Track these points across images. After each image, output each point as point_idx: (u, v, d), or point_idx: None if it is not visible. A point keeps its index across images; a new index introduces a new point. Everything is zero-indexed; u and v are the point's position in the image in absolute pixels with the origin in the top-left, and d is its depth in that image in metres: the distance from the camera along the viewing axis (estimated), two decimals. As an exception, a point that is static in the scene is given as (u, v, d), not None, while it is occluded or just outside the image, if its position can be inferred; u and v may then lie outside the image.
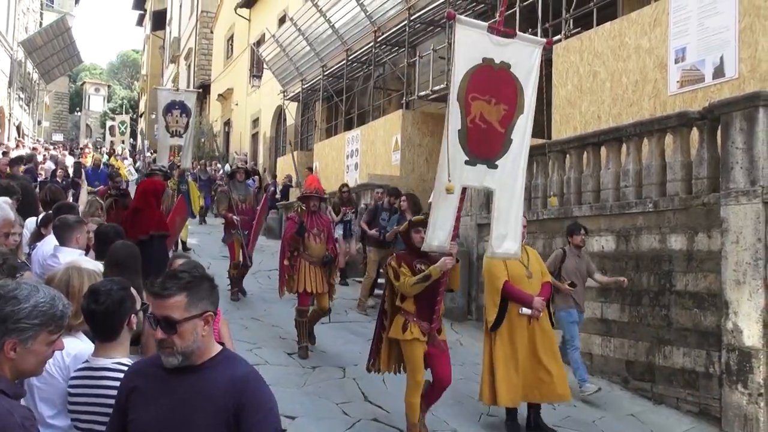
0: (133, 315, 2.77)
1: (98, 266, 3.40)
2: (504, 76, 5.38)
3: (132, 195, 10.69)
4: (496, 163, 5.42)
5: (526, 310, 5.95)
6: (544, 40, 5.82)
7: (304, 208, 8.10)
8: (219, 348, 2.37)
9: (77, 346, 2.82)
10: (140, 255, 4.17)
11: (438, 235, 5.27)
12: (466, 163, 5.30)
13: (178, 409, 2.25)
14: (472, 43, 5.20)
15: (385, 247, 10.40)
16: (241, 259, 10.52)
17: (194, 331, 2.25)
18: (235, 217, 10.37)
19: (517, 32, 5.60)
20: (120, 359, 2.68)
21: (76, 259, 3.55)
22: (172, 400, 2.27)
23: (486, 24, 5.36)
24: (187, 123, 14.25)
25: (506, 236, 5.48)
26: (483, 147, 5.35)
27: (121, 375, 2.60)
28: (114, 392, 2.54)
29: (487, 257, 6.13)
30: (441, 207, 5.29)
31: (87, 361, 2.71)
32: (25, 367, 2.21)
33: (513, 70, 5.41)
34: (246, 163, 25.61)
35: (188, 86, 41.81)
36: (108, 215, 9.12)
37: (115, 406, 2.42)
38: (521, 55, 5.46)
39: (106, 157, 27.84)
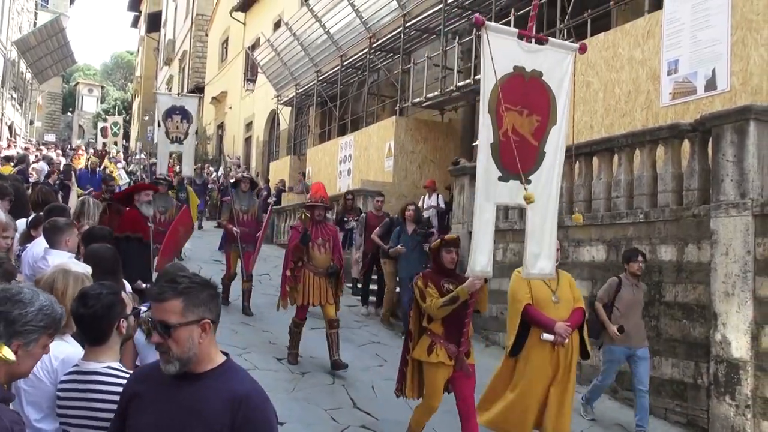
0: (122, 319, 2.75)
1: (87, 269, 3.39)
2: (536, 85, 5.11)
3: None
4: (530, 178, 5.08)
5: (547, 336, 5.44)
6: (577, 45, 5.48)
7: (308, 215, 7.84)
8: (223, 358, 2.33)
9: (65, 350, 2.81)
10: (118, 256, 4.15)
11: (479, 260, 4.94)
12: (500, 179, 5.00)
13: (176, 418, 2.23)
14: (501, 51, 4.92)
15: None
16: (236, 272, 10.30)
17: (190, 338, 2.22)
18: (235, 229, 10.04)
19: (549, 38, 5.32)
20: (110, 363, 2.68)
21: (65, 261, 3.54)
22: (170, 408, 2.25)
23: (516, 30, 5.10)
24: (188, 129, 13.84)
25: (540, 255, 5.15)
26: (516, 161, 4.98)
27: (111, 379, 2.61)
28: (104, 396, 2.54)
29: (513, 278, 5.74)
30: (480, 230, 4.96)
31: (77, 365, 2.70)
32: (23, 369, 2.24)
33: (545, 78, 5.14)
34: (239, 166, 25.60)
35: (182, 89, 41.80)
36: (101, 220, 9.04)
37: (117, 410, 2.41)
38: (553, 62, 5.19)
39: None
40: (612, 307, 6.84)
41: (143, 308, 3.32)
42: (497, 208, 5.32)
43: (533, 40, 5.13)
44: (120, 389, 2.55)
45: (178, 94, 18.55)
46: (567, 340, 5.43)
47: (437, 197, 13.00)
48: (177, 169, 18.32)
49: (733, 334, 6.60)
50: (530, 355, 5.50)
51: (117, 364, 2.71)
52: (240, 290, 10.31)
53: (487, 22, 4.88)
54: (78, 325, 2.70)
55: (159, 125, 14.46)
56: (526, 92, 5.07)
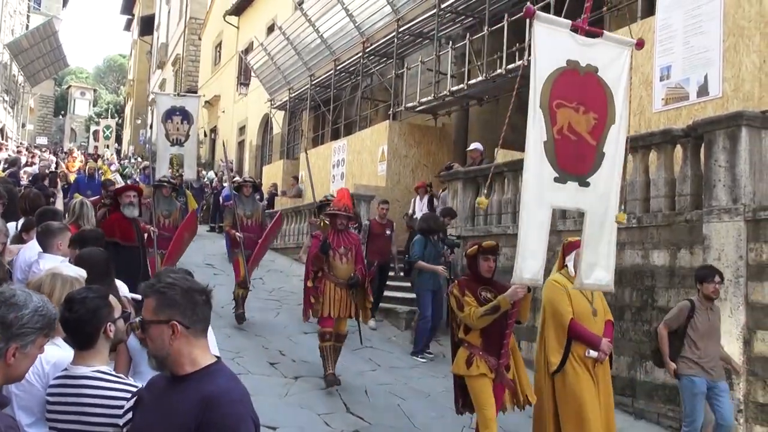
0: (110, 324, 2.73)
1: (81, 273, 3.37)
2: (591, 81, 4.80)
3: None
4: (588, 180, 4.76)
5: (593, 353, 5.13)
6: (634, 40, 5.12)
7: (327, 222, 7.45)
8: (210, 361, 2.32)
9: (56, 354, 2.80)
10: (110, 259, 4.11)
11: (530, 266, 4.57)
12: (556, 180, 4.65)
13: (157, 421, 2.26)
14: (553, 43, 4.64)
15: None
16: (244, 277, 9.85)
17: (161, 337, 2.25)
18: (238, 234, 9.64)
19: (604, 31, 4.98)
20: (99, 367, 2.67)
21: (57, 265, 3.53)
22: (156, 411, 2.29)
23: (569, 22, 4.80)
24: (189, 130, 13.23)
25: (596, 265, 4.80)
26: (574, 162, 4.70)
27: (100, 383, 2.61)
28: (93, 400, 2.56)
29: (549, 288, 5.37)
30: (531, 234, 4.58)
31: (66, 369, 2.69)
32: (19, 372, 2.26)
33: (601, 74, 4.82)
34: (232, 170, 25.52)
35: (175, 92, 41.71)
36: (100, 225, 8.83)
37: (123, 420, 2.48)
38: (609, 58, 4.88)
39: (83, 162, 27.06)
40: (684, 335, 6.06)
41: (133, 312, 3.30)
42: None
43: (586, 32, 4.80)
44: (109, 393, 2.57)
45: (178, 94, 17.70)
46: (606, 357, 5.24)
47: (430, 199, 12.87)
48: (179, 172, 17.79)
49: (726, 339, 6.61)
50: (569, 373, 5.12)
51: (106, 368, 2.70)
52: (227, 289, 10.30)
53: (537, 12, 4.62)
54: (64, 329, 2.69)
55: (152, 126, 14.17)
56: (582, 88, 4.76)
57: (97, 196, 12.62)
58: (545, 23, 4.70)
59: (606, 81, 4.84)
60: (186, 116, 13.39)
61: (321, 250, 7.32)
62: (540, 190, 4.61)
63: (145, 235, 8.69)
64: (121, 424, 2.53)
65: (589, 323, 5.23)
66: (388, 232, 10.84)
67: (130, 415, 2.50)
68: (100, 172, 17.73)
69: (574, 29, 4.73)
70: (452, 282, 9.00)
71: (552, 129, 4.64)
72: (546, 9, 11.56)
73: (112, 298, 2.80)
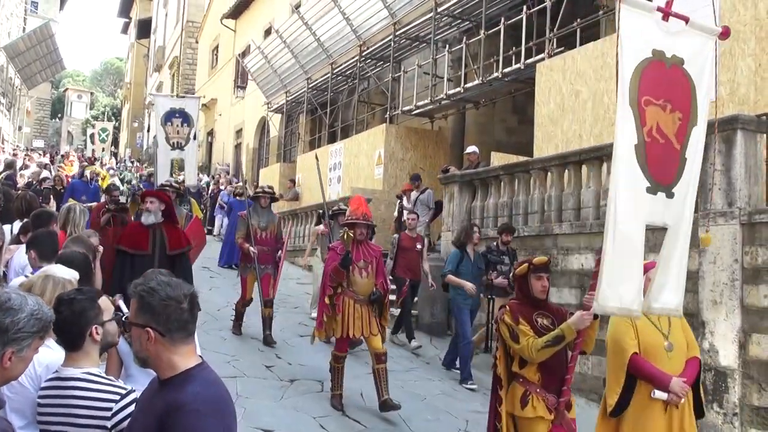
0: (96, 326, 2.71)
1: (74, 275, 3.36)
2: (677, 75, 4.18)
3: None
4: (673, 191, 4.13)
5: (660, 394, 4.24)
6: (719, 28, 4.51)
7: (351, 234, 6.71)
8: (190, 365, 2.27)
9: (49, 356, 2.79)
10: (89, 259, 4.08)
11: (619, 293, 3.91)
12: (648, 190, 4.01)
13: (138, 422, 2.30)
14: (639, 31, 4.07)
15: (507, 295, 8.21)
16: (253, 297, 9.15)
17: (139, 339, 2.26)
18: (252, 248, 8.82)
19: (689, 17, 4.29)
20: (88, 369, 2.66)
21: (50, 267, 3.51)
22: (140, 412, 2.35)
23: (655, 5, 4.18)
24: (189, 134, 12.55)
25: (665, 286, 4.14)
26: (662, 169, 4.08)
27: (90, 385, 2.60)
28: (83, 402, 2.55)
29: (613, 318, 4.50)
30: (622, 257, 3.92)
31: (56, 371, 2.68)
32: (14, 374, 2.28)
33: (687, 66, 4.21)
34: (228, 173, 25.51)
35: (173, 93, 41.70)
36: (105, 232, 8.38)
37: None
38: (695, 48, 4.26)
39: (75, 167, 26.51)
40: None
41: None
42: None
43: (672, 16, 4.19)
44: (98, 395, 2.57)
45: (177, 95, 16.83)
46: (683, 400, 4.27)
47: (424, 190, 12.85)
48: (180, 177, 17.27)
49: (721, 342, 6.62)
50: (637, 416, 4.31)
51: (96, 370, 2.69)
52: (226, 291, 10.21)
53: None
54: (54, 331, 2.69)
55: (149, 130, 13.77)
56: (668, 83, 4.16)
57: (95, 202, 12.30)
58: (631, 7, 4.07)
59: (691, 75, 4.23)
60: (186, 118, 12.83)
61: (341, 264, 6.64)
62: (634, 203, 3.94)
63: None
64: (109, 426, 2.52)
65: (661, 359, 4.31)
66: (418, 246, 9.80)
67: (119, 417, 2.49)
68: (98, 177, 17.62)
69: (660, 12, 4.12)
70: (490, 300, 8.76)
71: (642, 129, 4.04)
72: (542, 13, 11.61)
73: (103, 300, 2.78)
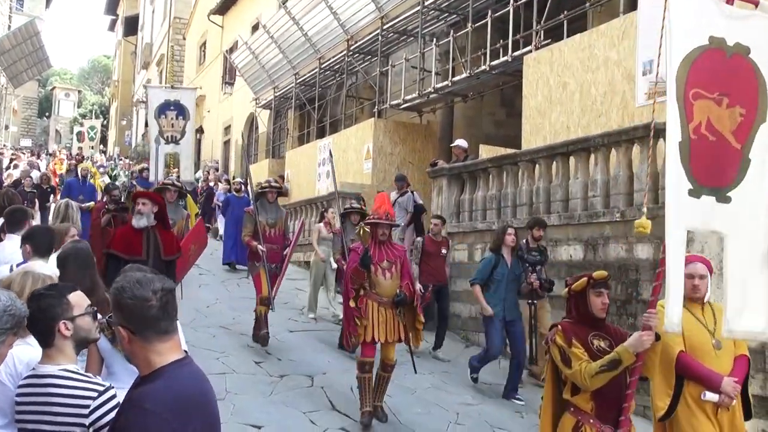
0: (65, 321, 2.66)
1: (54, 271, 3.32)
2: (741, 65, 3.77)
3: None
4: (729, 194, 3.77)
5: (711, 396, 4.01)
6: None
7: (367, 230, 6.32)
8: (167, 362, 2.20)
9: (29, 353, 2.76)
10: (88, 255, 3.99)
11: (674, 309, 3.56)
12: (690, 193, 3.68)
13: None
14: (694, 15, 3.70)
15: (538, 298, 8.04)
16: (267, 293, 8.55)
17: (121, 336, 2.23)
18: (260, 246, 8.39)
19: (760, 1, 3.84)
20: (65, 366, 2.62)
21: (30, 264, 3.48)
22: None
23: None
24: (185, 127, 12.05)
25: (745, 308, 3.75)
26: (711, 170, 3.73)
27: (67, 382, 2.56)
28: (61, 399, 2.51)
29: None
30: (669, 268, 3.64)
31: (33, 368, 2.65)
32: None
33: (753, 56, 3.78)
34: (217, 170, 25.41)
35: (168, 84, 41.47)
36: (106, 233, 8.37)
37: None
38: (764, 34, 3.81)
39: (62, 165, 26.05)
40: None
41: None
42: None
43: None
44: (76, 392, 2.53)
45: (172, 86, 15.72)
46: (734, 401, 4.04)
47: (412, 192, 12.62)
48: (175, 173, 16.82)
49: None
50: (686, 420, 4.05)
51: (73, 367, 2.65)
52: (214, 289, 10.05)
53: None
54: (30, 328, 2.66)
55: (147, 124, 13.19)
56: (728, 74, 3.77)
57: (92, 201, 12.02)
58: None
59: (759, 65, 3.79)
60: (181, 111, 12.23)
61: (361, 264, 6.23)
62: (676, 206, 3.66)
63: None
64: (87, 423, 2.49)
65: (709, 358, 4.07)
66: (443, 251, 9.39)
67: (96, 414, 2.46)
68: (90, 174, 17.28)
69: None
70: (531, 305, 7.87)
71: (687, 126, 3.67)
72: (529, 5, 11.60)
73: (74, 296, 2.73)
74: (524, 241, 8.07)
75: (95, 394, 2.54)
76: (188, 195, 13.24)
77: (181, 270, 7.70)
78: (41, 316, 2.61)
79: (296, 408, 6.65)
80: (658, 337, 3.81)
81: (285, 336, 9.24)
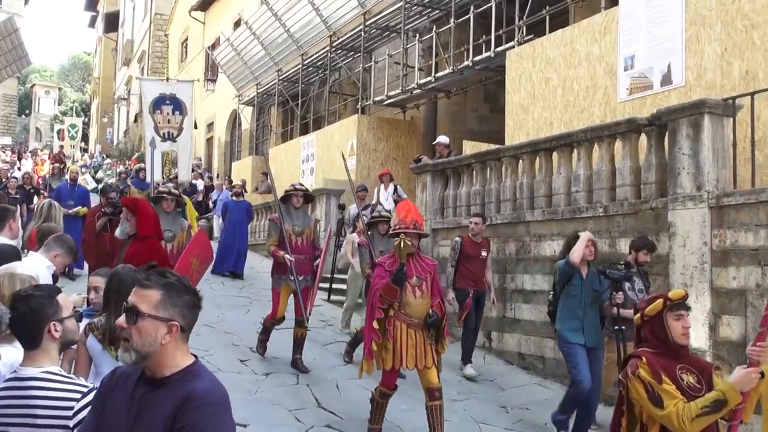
0: (55, 323, 2.65)
1: (36, 271, 3.30)
2: None
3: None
4: None
5: None
6: None
7: (408, 243, 5.50)
8: (190, 362, 2.25)
9: (13, 355, 2.73)
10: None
11: None
12: None
13: (138, 423, 2.18)
14: None
15: None
16: (285, 315, 7.96)
17: (154, 333, 2.16)
18: (288, 256, 7.55)
19: None
20: (48, 368, 2.60)
21: (13, 264, 3.44)
22: (136, 412, 2.20)
23: None
24: (182, 122, 11.36)
25: None
26: None
27: (50, 384, 2.54)
28: (43, 402, 2.48)
29: None
30: None
31: (15, 371, 2.62)
32: None
33: None
34: (200, 167, 25.26)
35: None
36: (101, 237, 8.08)
37: (94, 404, 2.33)
38: None
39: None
40: None
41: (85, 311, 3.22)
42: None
43: None
44: (59, 394, 2.50)
45: (167, 79, 14.14)
46: None
47: (395, 187, 12.62)
48: (173, 173, 15.98)
49: (692, 324, 6.65)
50: None
51: (56, 369, 2.63)
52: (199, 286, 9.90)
53: None
54: (10, 329, 2.62)
55: (137, 120, 12.37)
56: None
57: (84, 206, 11.49)
58: None
59: None
60: (178, 105, 11.55)
61: (394, 281, 5.47)
62: None
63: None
64: (71, 425, 2.46)
65: None
66: (483, 253, 8.46)
67: (81, 415, 2.43)
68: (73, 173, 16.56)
69: None
70: (618, 332, 6.04)
71: None
72: (511, 1, 11.63)
73: (62, 297, 2.72)
74: (620, 265, 6.37)
75: (79, 396, 2.52)
76: (186, 198, 12.75)
77: None
78: (31, 317, 2.58)
79: (282, 406, 6.64)
80: (763, 375, 3.33)
81: (272, 334, 9.21)
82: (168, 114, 11.38)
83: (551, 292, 6.63)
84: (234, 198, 14.12)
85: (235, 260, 13.15)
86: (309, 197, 8.38)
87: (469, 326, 8.40)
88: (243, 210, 13.73)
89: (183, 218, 8.41)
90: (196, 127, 12.08)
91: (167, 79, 14.48)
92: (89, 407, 2.40)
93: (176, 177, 13.24)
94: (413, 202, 6.49)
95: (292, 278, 7.61)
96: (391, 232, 5.89)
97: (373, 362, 5.72)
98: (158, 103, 11.48)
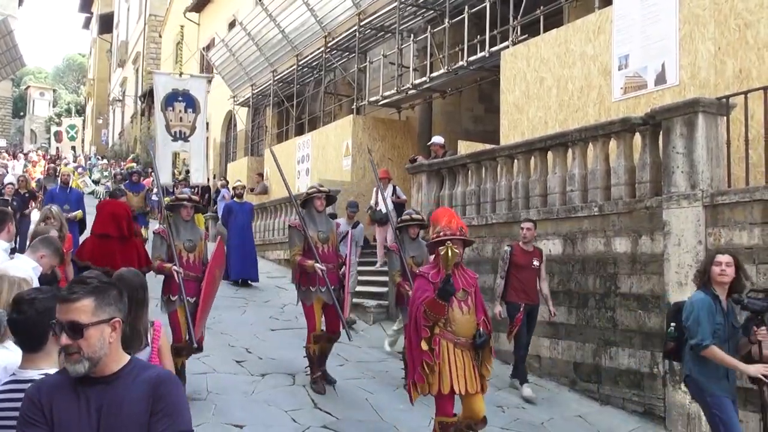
0: None
1: (29, 273, 3.29)
2: None
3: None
4: None
5: None
6: None
7: (456, 251, 4.84)
8: (128, 357, 2.37)
9: (7, 358, 2.72)
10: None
11: None
12: None
13: (107, 420, 2.22)
14: None
15: None
16: (324, 328, 7.28)
17: (101, 337, 2.23)
18: (318, 266, 6.95)
19: None
20: (47, 370, 2.59)
21: (3, 266, 3.43)
22: (97, 412, 2.23)
23: None
24: (195, 121, 10.52)
25: None
26: None
27: None
28: None
29: None
30: None
31: (14, 374, 2.61)
32: None
33: None
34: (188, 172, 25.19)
35: (137, 91, 41.13)
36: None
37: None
38: None
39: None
40: None
41: None
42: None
43: None
44: None
45: (180, 74, 12.98)
46: None
47: (393, 188, 12.51)
48: (182, 175, 14.71)
49: (687, 323, 6.70)
50: None
51: (54, 371, 2.62)
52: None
53: None
54: (13, 331, 2.62)
55: (144, 114, 11.64)
56: None
57: (79, 210, 11.24)
58: None
59: None
60: (191, 102, 10.80)
61: (441, 295, 4.76)
62: None
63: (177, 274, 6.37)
64: None
65: None
66: (535, 263, 7.79)
67: None
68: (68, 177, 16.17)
69: None
70: (763, 384, 4.78)
71: None
72: (505, 1, 11.64)
73: None
74: (762, 290, 5.18)
75: None
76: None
77: (209, 302, 6.63)
78: (39, 319, 2.58)
79: (278, 407, 6.64)
80: None
81: (266, 335, 9.22)
82: (180, 111, 10.69)
83: (672, 325, 5.14)
84: (237, 200, 13.22)
85: (248, 268, 12.40)
86: (331, 198, 7.69)
87: (520, 343, 7.67)
88: (247, 212, 13.08)
89: (198, 228, 7.47)
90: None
91: (181, 74, 13.14)
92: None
93: (186, 179, 12.48)
94: (452, 211, 5.65)
95: (324, 289, 7.02)
96: (433, 239, 5.15)
97: (425, 386, 4.95)
98: (170, 100, 10.74)
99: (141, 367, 2.36)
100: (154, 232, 7.10)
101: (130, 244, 8.03)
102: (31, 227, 7.86)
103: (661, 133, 7.27)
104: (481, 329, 5.02)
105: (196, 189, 12.07)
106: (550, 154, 8.82)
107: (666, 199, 7.05)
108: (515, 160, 9.41)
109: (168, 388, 2.28)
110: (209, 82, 13.37)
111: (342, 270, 7.35)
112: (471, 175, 10.13)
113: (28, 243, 6.52)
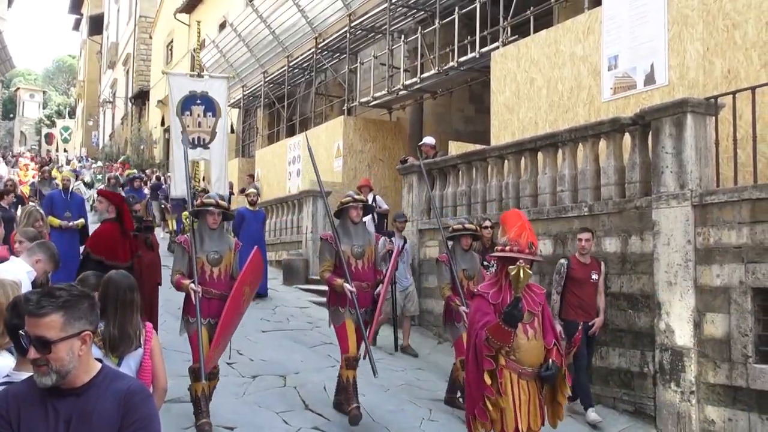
0: None
1: (19, 277, 3.27)
2: None
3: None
4: None
5: None
6: None
7: (529, 272, 4.07)
8: (99, 366, 2.33)
9: (1, 362, 2.71)
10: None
11: None
12: None
13: (76, 430, 2.20)
14: None
15: None
16: (357, 352, 6.43)
17: (70, 351, 2.19)
18: (348, 286, 6.19)
19: None
20: None
21: (-4, 269, 3.42)
22: (62, 428, 2.21)
23: None
24: (215, 126, 9.67)
25: None
26: None
27: None
28: None
29: None
30: None
31: (8, 375, 2.60)
32: None
33: None
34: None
35: (127, 93, 41.00)
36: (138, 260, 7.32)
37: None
38: None
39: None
40: None
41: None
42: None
43: None
44: None
45: (199, 74, 11.78)
46: None
47: (374, 198, 12.07)
48: (201, 185, 13.38)
49: (677, 322, 6.74)
50: None
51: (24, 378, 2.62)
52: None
53: None
54: (11, 335, 2.61)
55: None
56: None
57: (81, 218, 10.32)
58: None
59: None
60: (210, 106, 9.94)
61: (507, 321, 4.05)
62: None
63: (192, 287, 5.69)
64: None
65: None
66: (594, 276, 7.21)
67: None
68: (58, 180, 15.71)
69: None
70: None
71: None
72: (495, 1, 11.67)
73: None
74: None
75: None
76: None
77: (231, 325, 5.94)
78: None
79: (269, 408, 6.62)
80: None
81: (257, 337, 9.19)
82: (199, 116, 9.71)
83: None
84: (250, 207, 11.87)
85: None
86: (369, 208, 6.92)
87: (580, 364, 6.98)
88: (260, 221, 12.02)
89: (228, 235, 6.54)
90: (232, 131, 10.30)
91: (199, 75, 11.87)
92: None
93: (205, 190, 11.58)
94: (520, 211, 5.11)
95: (353, 311, 6.26)
96: (499, 254, 4.41)
97: (488, 424, 4.28)
98: (188, 103, 9.72)
99: (112, 377, 2.32)
100: (175, 242, 6.47)
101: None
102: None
103: (650, 133, 7.30)
104: (551, 360, 4.29)
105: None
106: (540, 155, 8.84)
107: (655, 198, 7.08)
108: (506, 161, 9.43)
109: (139, 400, 2.26)
110: (228, 80, 12.67)
111: (378, 289, 6.50)
112: (462, 175, 10.15)
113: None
